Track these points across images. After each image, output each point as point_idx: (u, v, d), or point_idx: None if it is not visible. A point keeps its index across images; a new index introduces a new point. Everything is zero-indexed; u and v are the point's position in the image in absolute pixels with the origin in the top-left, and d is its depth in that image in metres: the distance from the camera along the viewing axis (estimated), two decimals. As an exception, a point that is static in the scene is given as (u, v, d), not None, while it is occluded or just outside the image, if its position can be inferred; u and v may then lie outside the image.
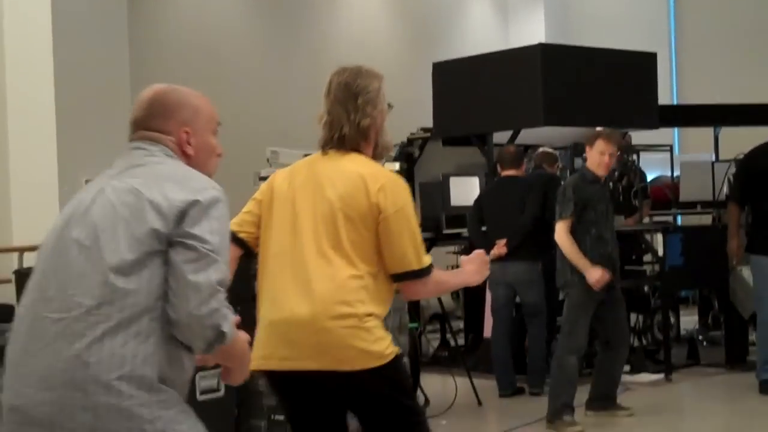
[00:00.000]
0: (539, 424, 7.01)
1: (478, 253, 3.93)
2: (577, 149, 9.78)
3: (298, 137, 10.50)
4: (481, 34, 14.85)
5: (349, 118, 3.75)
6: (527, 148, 9.59)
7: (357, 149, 3.76)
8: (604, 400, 7.23)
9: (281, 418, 6.04)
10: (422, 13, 14.13)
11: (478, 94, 9.25)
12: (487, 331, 8.55)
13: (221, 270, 2.65)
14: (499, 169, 8.44)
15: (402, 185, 3.72)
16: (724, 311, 9.23)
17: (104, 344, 2.58)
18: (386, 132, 3.85)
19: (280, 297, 3.61)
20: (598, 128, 7.20)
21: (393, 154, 4.54)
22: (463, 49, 12.61)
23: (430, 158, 10.31)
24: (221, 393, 5.94)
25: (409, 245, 3.64)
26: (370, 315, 3.57)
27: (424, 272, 3.67)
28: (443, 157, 10.23)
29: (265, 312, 3.67)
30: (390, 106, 3.88)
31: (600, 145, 6.96)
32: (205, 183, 2.78)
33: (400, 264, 3.64)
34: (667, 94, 14.36)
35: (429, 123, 10.08)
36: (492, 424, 7.75)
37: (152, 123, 2.86)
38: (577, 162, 9.75)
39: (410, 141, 10.47)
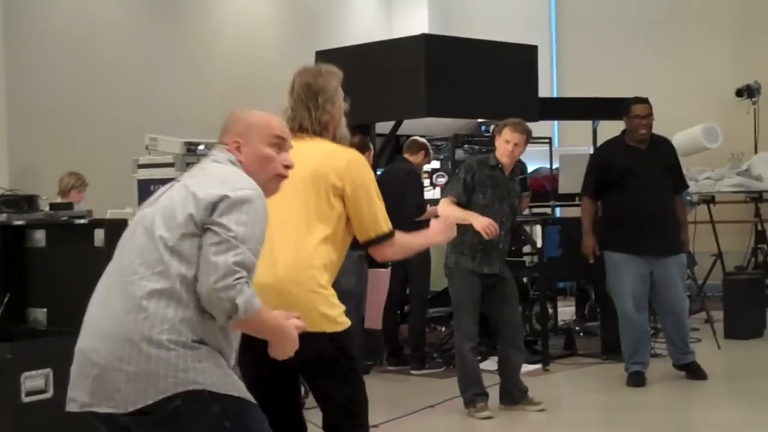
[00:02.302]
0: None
1: (444, 215, 4.55)
2: (458, 140, 9.84)
3: (178, 124, 10.41)
4: (365, 23, 14.82)
5: (310, 115, 4.30)
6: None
7: (320, 137, 4.30)
8: (512, 392, 7.27)
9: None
10: (306, 1, 14.04)
11: (360, 84, 9.17)
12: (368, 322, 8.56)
13: (242, 254, 3.14)
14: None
15: (363, 161, 4.26)
16: (600, 302, 9.40)
17: (151, 305, 3.15)
18: (343, 125, 4.38)
19: None
20: (509, 118, 7.20)
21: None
22: (346, 38, 12.56)
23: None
24: (49, 394, 5.67)
25: (378, 212, 4.18)
26: (327, 282, 4.08)
27: (392, 234, 4.21)
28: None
29: None
30: (346, 101, 4.41)
31: (506, 133, 7.04)
32: (243, 184, 3.31)
33: (374, 229, 4.17)
34: (547, 87, 14.53)
35: (311, 112, 10.01)
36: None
37: (221, 135, 3.55)
38: (458, 153, 9.82)
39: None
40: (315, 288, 4.03)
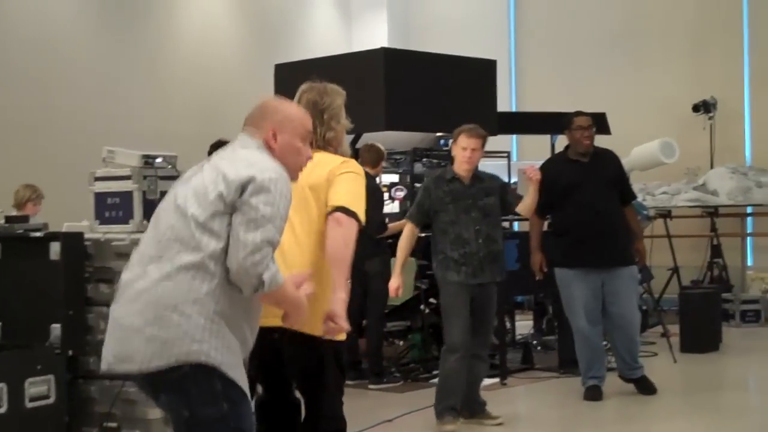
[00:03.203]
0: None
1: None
2: (417, 154, 9.85)
3: (137, 137, 10.36)
4: (325, 36, 14.83)
5: (316, 132, 4.43)
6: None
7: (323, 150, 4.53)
8: (471, 405, 7.24)
9: (114, 425, 5.90)
10: (265, 13, 14.02)
11: (320, 97, 9.21)
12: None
13: (269, 231, 3.41)
14: None
15: (361, 169, 4.52)
16: (557, 317, 9.40)
17: (180, 276, 3.42)
18: (345, 141, 4.68)
19: None
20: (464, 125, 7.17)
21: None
22: (306, 51, 12.57)
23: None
24: (51, 400, 5.76)
25: (356, 197, 4.37)
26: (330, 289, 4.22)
27: (358, 219, 4.31)
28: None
29: None
30: (348, 118, 4.68)
31: (462, 140, 6.99)
32: (270, 166, 3.56)
33: (345, 201, 4.30)
34: (506, 102, 14.59)
35: (270, 125, 9.99)
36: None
37: (254, 121, 3.76)
38: (417, 167, 9.83)
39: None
40: (322, 294, 4.11)
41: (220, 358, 3.44)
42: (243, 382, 3.54)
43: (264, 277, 3.38)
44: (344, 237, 4.25)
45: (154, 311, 3.41)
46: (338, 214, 4.26)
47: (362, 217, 4.31)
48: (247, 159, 3.58)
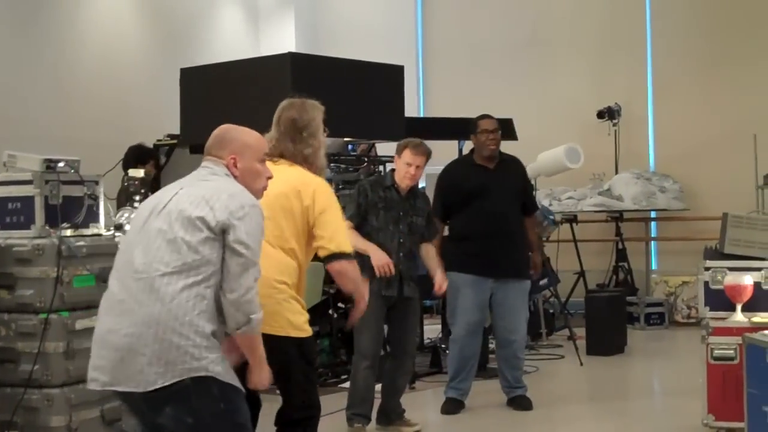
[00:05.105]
0: None
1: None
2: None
3: (39, 141, 10.16)
4: (232, 39, 14.72)
5: (295, 147, 4.86)
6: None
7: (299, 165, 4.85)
8: (389, 413, 7.20)
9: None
10: (171, 17, 13.86)
11: (226, 102, 9.12)
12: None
13: (257, 272, 3.77)
14: None
15: (329, 187, 4.91)
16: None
17: (174, 298, 3.64)
18: (321, 156, 4.91)
19: None
20: (409, 138, 7.12)
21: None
22: (213, 55, 12.47)
23: (177, 165, 10.13)
24: None
25: (341, 231, 4.85)
26: (294, 292, 4.70)
27: (351, 256, 4.81)
28: (190, 165, 10.01)
29: None
30: (326, 131, 4.97)
31: (407, 155, 6.95)
32: (249, 199, 3.85)
33: (337, 246, 4.74)
34: (414, 107, 14.64)
35: (176, 129, 9.90)
36: None
37: (214, 151, 4.05)
38: (325, 172, 9.78)
39: (157, 147, 10.26)
40: (285, 298, 4.63)
41: (216, 369, 3.72)
42: (235, 380, 3.84)
43: (252, 317, 3.73)
44: (354, 282, 4.88)
45: (154, 334, 3.64)
46: (337, 266, 4.76)
47: (349, 247, 4.81)
48: (225, 189, 3.85)
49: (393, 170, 7.18)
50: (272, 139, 4.84)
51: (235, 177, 3.98)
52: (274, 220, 4.59)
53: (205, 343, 3.69)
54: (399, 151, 7.03)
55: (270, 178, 4.12)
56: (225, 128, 4.15)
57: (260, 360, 3.95)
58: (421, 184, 10.33)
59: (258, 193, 4.04)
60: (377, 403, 7.21)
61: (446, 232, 8.06)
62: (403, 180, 6.99)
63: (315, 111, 5.00)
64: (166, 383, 3.65)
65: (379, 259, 6.68)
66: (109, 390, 3.79)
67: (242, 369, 4.40)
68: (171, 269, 3.68)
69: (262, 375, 3.99)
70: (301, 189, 4.74)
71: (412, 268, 7.09)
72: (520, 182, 8.07)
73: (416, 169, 6.95)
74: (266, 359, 4.09)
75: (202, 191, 3.83)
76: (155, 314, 3.65)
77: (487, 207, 7.74)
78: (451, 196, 7.89)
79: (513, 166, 8.07)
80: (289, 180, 4.74)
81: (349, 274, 4.83)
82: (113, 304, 3.79)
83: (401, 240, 6.96)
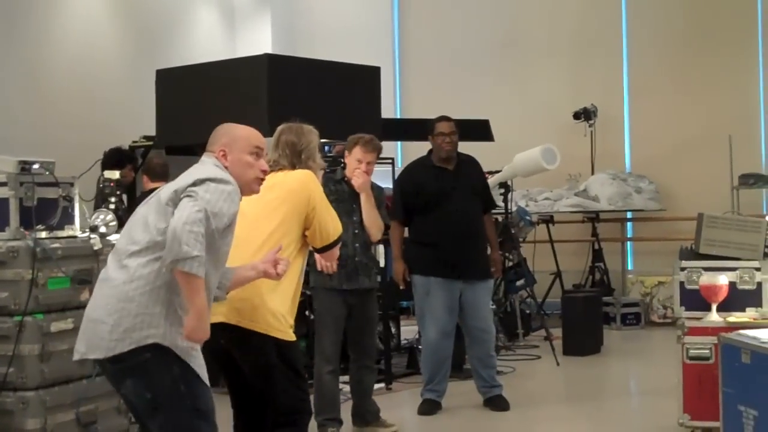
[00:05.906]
0: None
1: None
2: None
3: (14, 142, 10.11)
4: (208, 40, 14.67)
5: (293, 169, 5.17)
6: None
7: None
8: (364, 414, 7.18)
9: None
10: (146, 17, 13.80)
11: (202, 103, 9.11)
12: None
13: (204, 207, 3.78)
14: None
15: (316, 182, 5.16)
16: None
17: (137, 271, 3.85)
18: (319, 177, 5.23)
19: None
20: (360, 134, 7.07)
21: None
22: (189, 56, 12.42)
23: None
24: None
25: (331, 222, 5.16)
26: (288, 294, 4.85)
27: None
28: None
29: None
30: (321, 152, 5.37)
31: (357, 152, 6.93)
32: (219, 173, 4.01)
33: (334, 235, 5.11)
34: (390, 108, 14.64)
35: (152, 131, 9.87)
36: None
37: (208, 146, 4.26)
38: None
39: (132, 149, 10.22)
40: (271, 288, 4.69)
41: (177, 345, 3.84)
42: (198, 366, 3.94)
43: (185, 251, 3.66)
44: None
45: (114, 303, 3.84)
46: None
47: (339, 228, 5.17)
48: (200, 170, 4.04)
49: (344, 166, 7.16)
50: (270, 161, 5.01)
51: (226, 168, 4.14)
52: (267, 219, 4.87)
53: (164, 313, 3.84)
54: (350, 148, 7.01)
55: (265, 171, 4.26)
56: (220, 125, 4.36)
57: (198, 311, 3.77)
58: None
59: (251, 184, 4.20)
60: (349, 404, 7.22)
61: (407, 234, 8.09)
62: (352, 176, 6.95)
63: (311, 135, 5.30)
64: (124, 350, 3.81)
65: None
66: (87, 360, 3.99)
67: (229, 369, 4.69)
68: (139, 247, 3.89)
69: (197, 326, 3.79)
70: (300, 191, 5.05)
71: (368, 259, 7.08)
72: (479, 182, 8.12)
73: (367, 165, 6.93)
74: (247, 360, 4.29)
75: (178, 179, 4.02)
76: (119, 286, 3.86)
77: (452, 209, 7.76)
78: (413, 198, 7.89)
79: (471, 167, 8.10)
80: (286, 181, 5.08)
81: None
82: (99, 282, 4.04)
83: (356, 231, 6.95)
